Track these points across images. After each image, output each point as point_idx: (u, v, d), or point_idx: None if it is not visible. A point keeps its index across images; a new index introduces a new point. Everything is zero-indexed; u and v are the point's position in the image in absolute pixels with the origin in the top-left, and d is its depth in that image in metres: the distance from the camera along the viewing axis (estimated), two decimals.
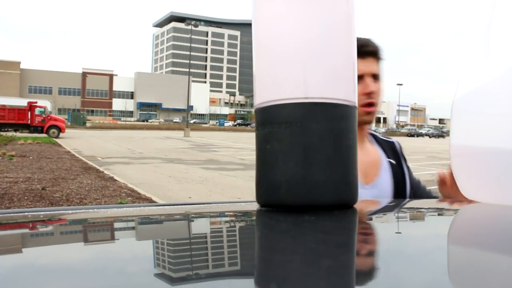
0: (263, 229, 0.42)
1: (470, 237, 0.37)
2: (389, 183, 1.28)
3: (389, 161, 1.33)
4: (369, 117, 1.26)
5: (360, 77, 1.23)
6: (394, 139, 1.54)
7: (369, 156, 1.28)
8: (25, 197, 5.86)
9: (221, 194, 6.35)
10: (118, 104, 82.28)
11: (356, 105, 0.47)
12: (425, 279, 0.24)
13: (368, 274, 0.26)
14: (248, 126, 54.26)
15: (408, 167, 1.39)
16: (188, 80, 30.86)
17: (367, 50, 1.23)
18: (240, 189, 6.81)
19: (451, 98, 0.54)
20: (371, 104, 1.24)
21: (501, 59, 0.50)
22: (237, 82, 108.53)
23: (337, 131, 0.44)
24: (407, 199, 1.12)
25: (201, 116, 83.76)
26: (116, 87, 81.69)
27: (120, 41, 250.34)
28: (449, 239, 0.36)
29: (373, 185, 1.23)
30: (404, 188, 1.33)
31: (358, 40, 1.21)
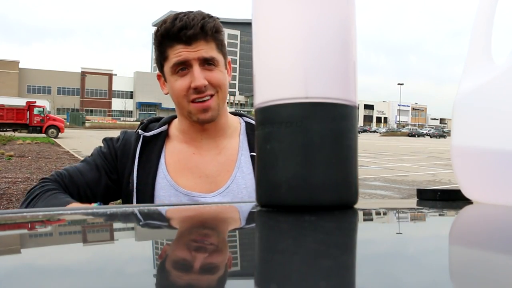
0: (263, 230, 0.41)
1: (471, 238, 0.37)
2: (246, 185, 1.04)
3: (253, 156, 1.06)
4: (206, 114, 1.02)
5: (187, 67, 0.99)
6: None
7: (221, 158, 1.07)
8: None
9: None
10: (117, 104, 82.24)
11: (356, 105, 0.47)
12: (426, 280, 0.24)
13: (368, 275, 0.25)
14: None
15: None
16: None
17: (188, 35, 0.97)
18: None
19: (452, 98, 0.54)
20: (206, 98, 1.00)
21: (503, 58, 0.50)
22: (237, 82, 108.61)
23: (337, 131, 0.44)
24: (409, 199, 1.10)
25: None
26: (115, 86, 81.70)
27: (120, 41, 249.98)
28: (451, 239, 0.36)
29: (222, 192, 1.04)
30: None
31: (176, 21, 0.99)
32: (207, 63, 1.00)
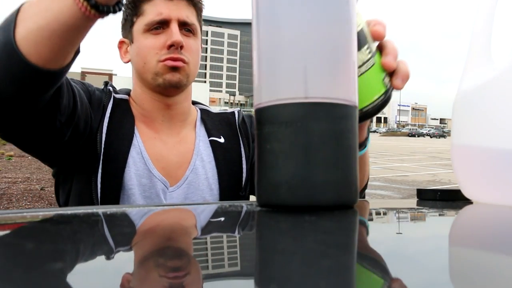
0: (263, 230, 0.41)
1: (471, 238, 0.37)
2: (207, 175, 0.95)
3: (213, 140, 0.99)
4: (174, 75, 0.89)
5: (164, 26, 0.89)
6: (237, 109, 1.11)
7: (180, 147, 0.97)
8: (24, 198, 5.87)
9: None
10: None
11: (357, 105, 0.47)
12: (426, 280, 0.24)
13: (368, 275, 0.25)
14: None
15: (250, 146, 1.01)
16: None
17: None
18: None
19: (452, 98, 0.54)
20: (176, 59, 0.88)
21: (503, 57, 0.50)
22: (237, 82, 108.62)
23: (337, 131, 0.44)
24: (407, 199, 1.09)
25: None
26: (116, 86, 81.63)
27: None
28: (450, 240, 0.36)
29: (181, 185, 0.94)
30: (240, 169, 0.98)
31: None
32: (185, 28, 0.92)
